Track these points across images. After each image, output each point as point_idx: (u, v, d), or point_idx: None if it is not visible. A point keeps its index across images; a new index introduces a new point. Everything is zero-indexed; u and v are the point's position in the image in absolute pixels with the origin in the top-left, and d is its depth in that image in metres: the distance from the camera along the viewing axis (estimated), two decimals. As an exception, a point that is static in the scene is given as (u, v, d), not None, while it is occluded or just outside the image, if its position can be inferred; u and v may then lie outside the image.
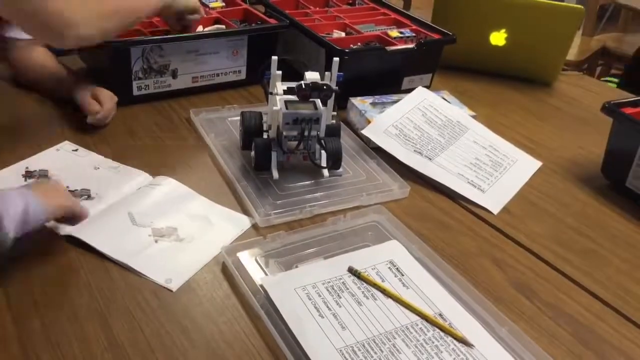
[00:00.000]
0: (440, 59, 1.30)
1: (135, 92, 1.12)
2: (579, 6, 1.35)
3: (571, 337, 0.71)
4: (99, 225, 0.80)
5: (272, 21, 1.24)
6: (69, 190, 0.85)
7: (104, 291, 0.70)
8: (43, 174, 0.89)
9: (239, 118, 1.00)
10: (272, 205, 0.87)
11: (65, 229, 0.78)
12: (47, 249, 0.76)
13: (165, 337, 0.65)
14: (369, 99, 1.14)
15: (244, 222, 0.84)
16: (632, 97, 1.05)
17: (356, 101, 1.13)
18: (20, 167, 0.91)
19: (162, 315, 0.68)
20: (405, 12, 1.40)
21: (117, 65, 1.09)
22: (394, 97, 1.16)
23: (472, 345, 0.67)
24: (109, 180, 0.90)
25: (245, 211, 0.87)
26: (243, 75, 1.24)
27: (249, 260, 0.76)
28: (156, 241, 0.79)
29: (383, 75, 1.22)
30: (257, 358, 0.64)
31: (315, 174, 0.95)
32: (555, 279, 0.81)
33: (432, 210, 0.93)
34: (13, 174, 0.89)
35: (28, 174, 0.89)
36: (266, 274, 0.74)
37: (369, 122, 1.07)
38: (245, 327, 0.68)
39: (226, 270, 0.75)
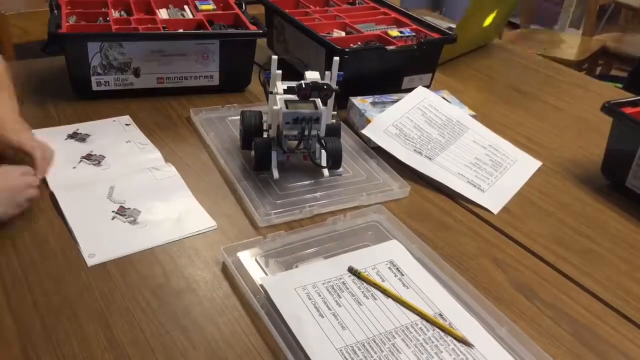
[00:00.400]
0: (439, 58, 1.30)
1: (95, 87, 1.11)
2: None
3: (571, 337, 0.71)
4: (76, 191, 0.86)
5: (253, 28, 1.19)
6: (89, 155, 0.95)
7: (104, 291, 0.70)
8: (82, 138, 0.99)
9: (238, 117, 1.00)
10: (272, 205, 0.87)
11: (52, 185, 0.85)
12: (47, 249, 0.76)
13: (165, 337, 0.65)
14: (369, 99, 1.14)
15: (207, 224, 0.83)
16: (632, 97, 1.05)
17: (356, 101, 1.13)
18: (70, 128, 1.02)
19: (162, 315, 0.68)
20: (406, 11, 1.40)
21: (74, 58, 1.08)
22: (394, 96, 1.16)
23: (472, 345, 0.67)
24: (126, 153, 0.97)
25: (245, 211, 0.87)
26: (216, 81, 1.19)
27: (249, 260, 0.76)
28: (113, 218, 0.81)
29: (383, 75, 1.22)
30: (257, 358, 0.64)
31: (315, 173, 0.95)
32: (555, 279, 0.81)
33: (432, 210, 0.93)
34: (61, 133, 1.00)
35: (73, 135, 1.00)
36: (266, 274, 0.74)
37: (369, 121, 1.07)
38: (245, 327, 0.68)
39: (226, 270, 0.75)
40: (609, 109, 1.00)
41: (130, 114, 1.08)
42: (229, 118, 1.10)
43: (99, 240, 0.78)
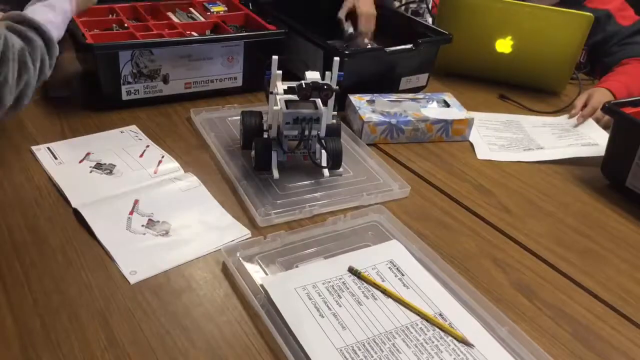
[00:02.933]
0: (437, 59, 1.29)
1: (125, 97, 1.10)
2: (587, 13, 1.28)
3: (571, 337, 0.71)
4: (103, 207, 0.83)
5: (272, 28, 1.20)
6: (100, 163, 0.93)
7: (104, 291, 0.70)
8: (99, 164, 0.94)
9: (239, 118, 1.00)
10: (272, 205, 0.87)
11: (74, 203, 0.83)
12: (47, 249, 0.76)
13: (166, 337, 0.65)
14: (366, 97, 1.14)
15: (240, 233, 0.82)
16: (632, 98, 1.05)
17: (353, 98, 1.13)
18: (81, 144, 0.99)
19: (162, 315, 0.68)
20: (402, 12, 1.40)
21: (104, 68, 1.07)
22: (393, 96, 1.16)
23: (472, 345, 0.67)
24: (140, 164, 0.94)
25: (245, 211, 0.87)
26: (239, 83, 1.20)
27: (249, 260, 0.76)
28: (144, 233, 0.80)
29: (381, 76, 1.22)
30: (257, 358, 0.64)
31: (316, 173, 0.95)
32: (555, 279, 0.81)
33: (432, 210, 0.93)
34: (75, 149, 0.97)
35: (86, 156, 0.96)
36: (266, 274, 0.74)
37: (362, 118, 1.07)
38: (245, 327, 0.68)
39: (226, 270, 0.75)
40: (609, 109, 1.01)
41: (131, 115, 1.08)
42: (230, 118, 1.10)
43: (137, 257, 0.76)
